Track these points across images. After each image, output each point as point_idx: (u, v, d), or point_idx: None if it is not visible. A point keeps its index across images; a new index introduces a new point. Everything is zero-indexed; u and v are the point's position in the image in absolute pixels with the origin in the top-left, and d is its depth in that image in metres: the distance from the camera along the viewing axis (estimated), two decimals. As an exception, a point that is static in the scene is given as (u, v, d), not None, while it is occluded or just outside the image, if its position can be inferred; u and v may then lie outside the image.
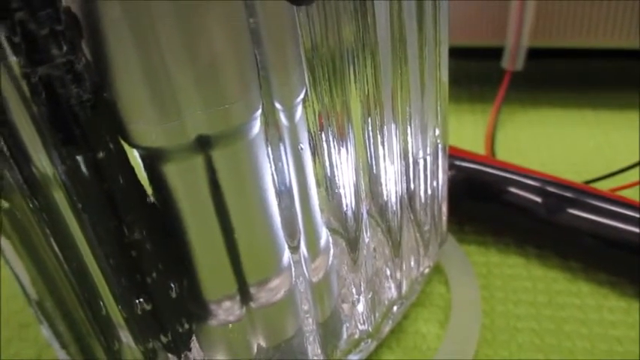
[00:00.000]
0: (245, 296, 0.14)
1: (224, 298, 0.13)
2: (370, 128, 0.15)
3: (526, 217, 0.22)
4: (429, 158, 0.18)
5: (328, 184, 0.14)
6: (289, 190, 0.13)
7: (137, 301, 0.12)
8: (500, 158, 0.28)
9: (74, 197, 0.11)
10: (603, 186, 0.23)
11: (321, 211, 0.14)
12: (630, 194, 0.22)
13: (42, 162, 0.11)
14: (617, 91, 0.33)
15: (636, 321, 0.20)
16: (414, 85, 0.16)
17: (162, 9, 0.10)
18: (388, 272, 0.18)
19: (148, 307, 0.12)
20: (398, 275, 0.18)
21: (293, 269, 0.14)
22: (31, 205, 0.12)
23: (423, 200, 0.18)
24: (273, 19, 0.11)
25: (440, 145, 0.18)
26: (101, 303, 0.13)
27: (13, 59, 0.09)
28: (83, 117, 0.10)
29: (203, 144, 0.11)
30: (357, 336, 0.17)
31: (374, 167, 0.15)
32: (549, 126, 0.31)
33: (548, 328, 0.20)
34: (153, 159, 0.11)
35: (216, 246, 0.13)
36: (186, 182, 0.12)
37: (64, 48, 0.09)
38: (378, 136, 0.15)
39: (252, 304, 0.14)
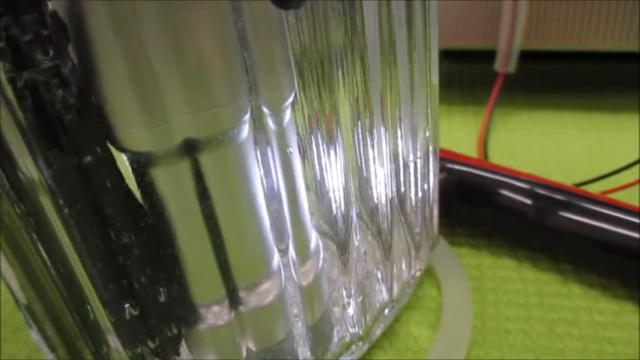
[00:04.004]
0: (234, 300, 0.14)
1: (213, 303, 0.13)
2: (360, 131, 0.15)
3: (518, 219, 0.22)
4: (419, 161, 0.18)
5: (318, 188, 0.14)
6: (278, 194, 0.13)
7: (125, 305, 0.12)
8: (492, 161, 0.28)
9: (61, 202, 0.11)
10: (595, 188, 0.23)
11: (311, 214, 0.14)
12: (621, 196, 0.22)
13: (28, 167, 0.11)
14: (610, 94, 0.33)
15: (627, 322, 0.20)
16: (404, 88, 0.16)
17: (149, 13, 0.10)
18: (379, 275, 0.18)
19: (135, 312, 0.12)
20: (389, 278, 0.18)
21: (282, 273, 0.14)
22: (17, 210, 0.12)
23: (413, 203, 0.18)
24: (261, 22, 0.11)
25: (431, 148, 0.18)
26: (89, 308, 0.13)
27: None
28: (70, 121, 0.10)
29: (191, 148, 0.11)
30: (347, 339, 0.17)
31: (364, 170, 0.15)
32: (541, 128, 0.31)
33: (539, 329, 0.20)
34: (141, 163, 0.11)
35: (204, 250, 0.13)
36: (174, 186, 0.12)
37: (50, 52, 0.09)
38: (368, 139, 0.15)
39: (242, 308, 0.14)
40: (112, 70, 0.10)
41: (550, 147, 0.29)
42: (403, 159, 0.17)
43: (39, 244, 0.12)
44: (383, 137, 0.15)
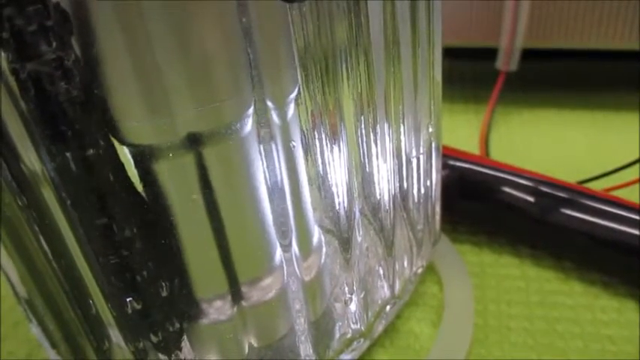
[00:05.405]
0: (236, 295, 0.14)
1: (215, 297, 0.13)
2: (363, 127, 0.15)
3: (520, 216, 0.22)
4: (422, 157, 0.18)
5: (320, 183, 0.14)
6: (281, 189, 0.13)
7: (127, 300, 0.12)
8: (494, 158, 0.28)
9: (63, 195, 0.11)
10: (597, 186, 0.23)
11: (314, 209, 0.14)
12: (624, 194, 0.22)
13: (31, 159, 0.11)
14: (611, 92, 0.33)
15: (628, 320, 0.20)
16: (408, 84, 0.16)
17: (154, 6, 0.10)
18: (381, 272, 0.18)
19: (138, 306, 0.12)
20: (391, 275, 0.18)
21: (285, 268, 0.14)
22: (19, 203, 0.12)
23: (416, 199, 0.18)
24: (266, 17, 0.11)
25: (433, 144, 0.18)
26: (91, 302, 0.13)
27: (2, 55, 0.09)
28: (72, 114, 0.10)
29: (194, 142, 0.11)
30: (349, 335, 0.17)
31: (367, 166, 0.15)
32: (543, 126, 0.31)
33: (540, 327, 0.20)
34: (143, 156, 0.11)
35: (207, 244, 0.13)
36: (177, 180, 0.12)
37: (54, 44, 0.09)
38: (371, 135, 0.15)
39: (244, 303, 0.14)
40: (115, 63, 0.10)
41: (551, 145, 0.29)
42: (406, 155, 0.17)
43: (40, 237, 0.12)
44: (386, 133, 0.15)
